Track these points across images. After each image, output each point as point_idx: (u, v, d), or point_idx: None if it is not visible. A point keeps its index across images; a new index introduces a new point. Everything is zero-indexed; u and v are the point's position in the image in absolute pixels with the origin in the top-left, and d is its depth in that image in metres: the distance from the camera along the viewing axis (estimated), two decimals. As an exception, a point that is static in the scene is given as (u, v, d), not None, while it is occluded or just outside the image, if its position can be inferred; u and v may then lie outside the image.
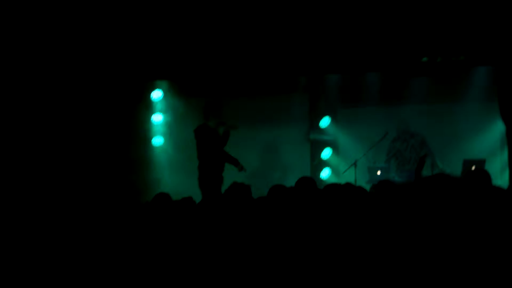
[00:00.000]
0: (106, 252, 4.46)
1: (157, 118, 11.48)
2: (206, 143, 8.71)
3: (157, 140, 11.49)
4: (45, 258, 4.43)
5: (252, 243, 4.27)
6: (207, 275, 4.14)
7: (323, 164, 11.45)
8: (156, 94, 11.43)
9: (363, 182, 9.85)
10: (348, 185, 5.45)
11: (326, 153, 11.43)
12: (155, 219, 4.93)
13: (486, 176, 4.89)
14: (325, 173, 11.35)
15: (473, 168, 8.90)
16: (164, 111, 11.54)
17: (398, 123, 10.49)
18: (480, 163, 9.38)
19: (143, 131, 11.38)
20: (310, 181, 5.51)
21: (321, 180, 11.06)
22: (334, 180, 10.88)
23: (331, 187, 5.09)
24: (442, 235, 3.94)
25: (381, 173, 9.73)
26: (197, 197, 8.75)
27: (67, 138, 10.04)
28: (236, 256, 4.20)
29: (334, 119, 11.52)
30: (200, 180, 8.77)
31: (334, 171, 11.35)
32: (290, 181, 5.70)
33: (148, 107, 11.44)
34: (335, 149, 11.49)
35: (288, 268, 4.05)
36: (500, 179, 9.66)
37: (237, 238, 4.35)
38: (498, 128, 10.19)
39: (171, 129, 11.57)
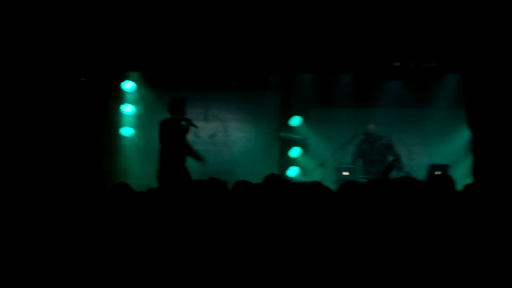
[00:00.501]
0: (66, 242, 4.43)
1: (128, 109, 11.45)
2: (171, 135, 8.76)
3: (127, 131, 11.45)
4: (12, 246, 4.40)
5: (213, 237, 4.30)
6: (162, 266, 4.15)
7: (291, 162, 11.52)
8: (128, 85, 11.39)
9: (330, 182, 9.92)
10: (315, 183, 5.51)
11: (295, 152, 11.50)
12: (113, 208, 4.91)
13: (450, 181, 4.97)
14: (292, 172, 11.43)
15: (438, 173, 9.01)
16: (135, 102, 11.51)
17: (366, 125, 10.58)
18: (445, 168, 9.49)
19: (113, 121, 11.33)
20: (278, 179, 5.56)
21: (289, 178, 11.13)
22: (302, 178, 10.96)
23: (297, 185, 5.14)
24: (403, 234, 4.01)
25: (348, 174, 9.80)
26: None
27: (34, 127, 9.93)
28: (196, 247, 4.22)
29: (304, 118, 11.59)
30: (161, 172, 8.78)
31: (302, 169, 11.42)
32: (257, 178, 5.73)
33: (119, 98, 11.39)
34: (304, 148, 11.56)
35: (245, 261, 4.08)
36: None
37: (199, 230, 4.37)
38: (464, 135, 10.34)
39: (142, 121, 11.54)
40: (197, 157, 9.11)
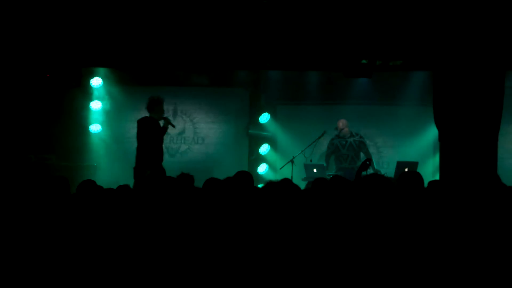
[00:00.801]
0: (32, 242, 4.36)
1: (96, 105, 11.35)
2: (149, 134, 8.74)
3: (95, 128, 11.36)
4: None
5: (181, 234, 4.28)
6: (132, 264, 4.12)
7: (260, 159, 11.53)
8: (96, 81, 11.29)
9: (299, 179, 9.96)
10: (285, 180, 5.53)
11: (264, 149, 11.52)
12: (82, 206, 4.86)
13: (419, 178, 5.00)
14: (262, 168, 11.44)
15: (406, 170, 9.09)
16: (103, 99, 11.41)
17: (339, 122, 10.59)
18: (413, 165, 9.58)
19: (81, 118, 11.23)
20: (247, 176, 5.55)
21: (258, 175, 11.15)
22: (271, 175, 10.98)
23: (267, 184, 5.15)
24: (372, 232, 4.04)
25: (317, 171, 9.85)
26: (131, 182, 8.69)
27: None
28: (168, 244, 4.20)
29: (273, 115, 11.61)
30: (137, 170, 8.74)
31: (272, 166, 11.44)
32: (227, 174, 5.72)
33: (86, 94, 11.28)
34: (273, 145, 11.59)
35: (213, 258, 4.07)
36: (431, 182, 9.89)
37: (170, 227, 4.35)
38: (432, 132, 10.46)
39: (110, 117, 11.46)
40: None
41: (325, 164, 10.39)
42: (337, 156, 10.51)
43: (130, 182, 8.74)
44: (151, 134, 8.76)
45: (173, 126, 9.16)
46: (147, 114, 8.95)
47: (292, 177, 9.77)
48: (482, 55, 7.77)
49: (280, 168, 10.43)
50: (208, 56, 10.25)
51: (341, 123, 10.47)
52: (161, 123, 8.94)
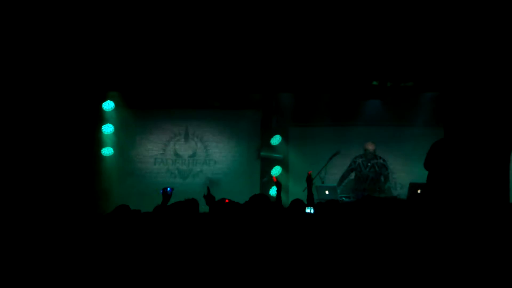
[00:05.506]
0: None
1: (108, 129, 11.41)
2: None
3: (107, 151, 11.41)
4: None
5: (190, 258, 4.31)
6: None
7: (272, 181, 11.52)
8: (108, 105, 11.37)
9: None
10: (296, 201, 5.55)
11: (276, 171, 11.52)
12: (118, 229, 4.92)
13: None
14: (274, 191, 11.43)
15: (419, 191, 9.06)
16: (114, 122, 11.47)
17: (368, 144, 10.62)
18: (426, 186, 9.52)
19: (93, 142, 11.28)
20: (263, 198, 5.56)
21: (271, 197, 11.14)
22: (283, 197, 10.96)
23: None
24: (383, 254, 4.04)
25: (329, 193, 9.83)
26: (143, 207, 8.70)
27: (15, 146, 9.89)
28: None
29: (285, 137, 11.63)
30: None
31: (284, 188, 11.42)
32: (239, 197, 5.74)
33: (99, 118, 11.35)
34: (285, 167, 11.58)
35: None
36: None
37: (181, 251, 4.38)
38: (445, 152, 10.43)
39: (121, 140, 11.52)
40: None
41: (337, 185, 10.37)
42: (357, 176, 10.54)
43: (141, 206, 8.74)
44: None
45: None
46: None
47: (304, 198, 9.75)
48: (492, 76, 7.79)
49: (303, 191, 10.40)
50: (221, 79, 10.32)
51: (371, 146, 10.52)
52: None
